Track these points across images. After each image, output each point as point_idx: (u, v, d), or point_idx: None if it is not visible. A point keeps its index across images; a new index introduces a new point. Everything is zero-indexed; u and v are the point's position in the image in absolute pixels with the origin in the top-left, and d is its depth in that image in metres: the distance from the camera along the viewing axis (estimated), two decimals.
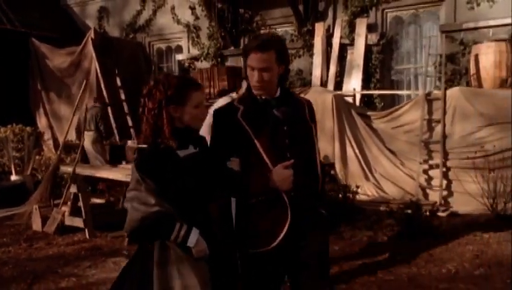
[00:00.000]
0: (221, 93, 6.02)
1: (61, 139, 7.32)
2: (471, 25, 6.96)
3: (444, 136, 5.84)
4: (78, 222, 5.15)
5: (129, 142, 7.13)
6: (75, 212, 5.23)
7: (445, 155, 5.82)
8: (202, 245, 1.80)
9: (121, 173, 5.09)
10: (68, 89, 8.95)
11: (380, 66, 7.86)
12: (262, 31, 8.90)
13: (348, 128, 6.36)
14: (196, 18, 9.46)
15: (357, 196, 5.67)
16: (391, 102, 7.71)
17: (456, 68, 7.16)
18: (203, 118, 1.98)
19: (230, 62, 8.94)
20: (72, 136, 7.53)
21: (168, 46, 10.28)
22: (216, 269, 1.86)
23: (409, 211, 4.79)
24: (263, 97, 1.98)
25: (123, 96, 8.49)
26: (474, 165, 5.38)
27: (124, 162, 5.81)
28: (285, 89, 2.07)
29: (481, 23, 6.86)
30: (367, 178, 6.21)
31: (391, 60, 8.02)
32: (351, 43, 7.85)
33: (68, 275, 3.97)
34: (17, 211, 5.92)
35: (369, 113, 6.60)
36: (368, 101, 7.78)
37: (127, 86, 8.44)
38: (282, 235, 1.89)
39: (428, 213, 4.77)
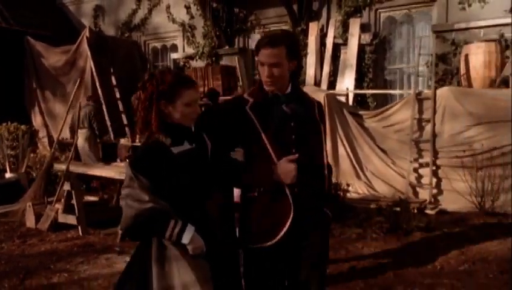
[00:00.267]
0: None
1: (56, 137, 7.35)
2: (463, 25, 7.04)
3: (434, 135, 5.92)
4: (71, 219, 5.18)
5: (122, 141, 7.18)
6: (68, 209, 5.26)
7: (435, 154, 5.89)
8: (198, 242, 1.77)
9: (114, 171, 5.15)
10: (63, 88, 8.99)
11: (373, 65, 7.94)
12: (256, 31, 8.98)
13: (340, 127, 6.43)
14: (192, 17, 9.52)
15: (348, 194, 5.75)
16: (384, 101, 7.78)
17: (447, 68, 7.24)
18: (194, 117, 1.92)
19: (224, 61, 9.00)
20: (66, 134, 7.56)
21: (163, 45, 10.34)
22: (218, 268, 1.84)
23: (397, 209, 4.86)
24: (274, 92, 1.98)
25: (118, 95, 8.53)
26: (462, 164, 5.46)
27: (118, 160, 5.87)
28: (296, 86, 2.05)
29: (472, 24, 6.95)
30: (358, 176, 6.29)
31: (384, 59, 8.10)
32: (345, 43, 7.93)
33: (60, 270, 4.01)
34: (11, 209, 5.95)
35: (361, 112, 6.67)
36: (361, 101, 7.86)
37: (122, 84, 8.47)
38: (284, 231, 1.90)
39: (415, 211, 4.83)
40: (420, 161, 6.03)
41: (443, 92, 6.00)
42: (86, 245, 4.73)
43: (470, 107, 5.73)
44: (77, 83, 6.32)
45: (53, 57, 9.08)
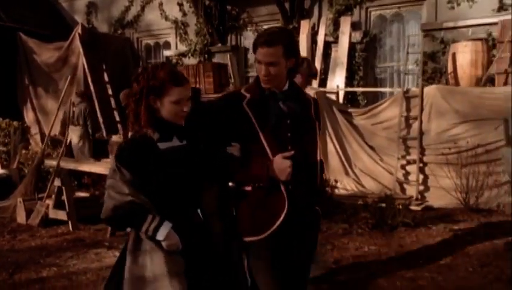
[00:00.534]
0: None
1: (47, 134, 7.37)
2: (451, 24, 7.13)
3: (421, 133, 6.01)
4: (62, 215, 5.23)
5: (114, 137, 7.19)
6: (59, 205, 5.31)
7: (422, 151, 5.99)
8: (173, 239, 1.78)
9: (105, 167, 5.17)
10: (55, 84, 8.99)
11: (364, 63, 8.01)
12: (249, 29, 9.03)
13: (329, 124, 6.51)
14: (184, 14, 9.55)
15: (336, 191, 5.84)
16: (375, 99, 7.85)
17: (436, 66, 7.33)
18: (183, 115, 1.88)
19: (217, 58, 9.05)
20: (57, 130, 7.58)
21: (156, 42, 10.36)
22: (213, 263, 1.85)
23: (383, 205, 4.95)
24: (271, 89, 1.99)
25: (110, 92, 8.54)
26: (448, 161, 5.56)
27: (110, 157, 5.90)
28: (293, 83, 2.07)
29: (460, 23, 7.04)
30: (346, 173, 6.37)
31: (375, 58, 8.17)
32: (336, 41, 8.00)
33: (50, 265, 4.07)
34: (2, 205, 5.99)
35: (350, 110, 6.75)
36: (351, 98, 7.94)
37: (114, 81, 8.48)
38: (277, 224, 1.91)
39: (402, 207, 4.92)
40: (408, 158, 6.12)
41: (430, 90, 6.09)
42: (76, 240, 4.78)
43: (456, 105, 5.83)
44: (68, 79, 6.34)
45: (45, 54, 9.08)
